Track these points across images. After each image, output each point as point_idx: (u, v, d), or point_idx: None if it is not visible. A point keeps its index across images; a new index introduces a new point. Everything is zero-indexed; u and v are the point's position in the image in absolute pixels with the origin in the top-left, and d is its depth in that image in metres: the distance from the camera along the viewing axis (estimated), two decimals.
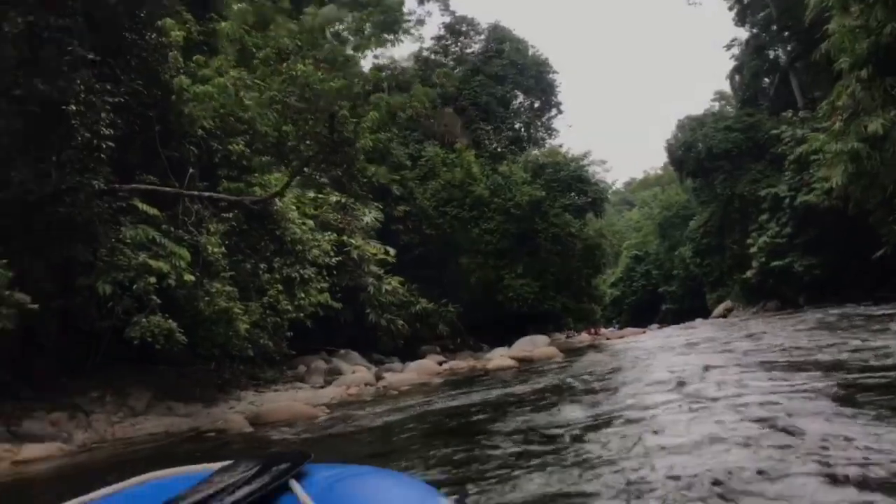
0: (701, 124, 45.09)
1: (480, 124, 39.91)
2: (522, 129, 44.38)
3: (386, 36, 13.75)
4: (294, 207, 18.25)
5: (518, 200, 33.36)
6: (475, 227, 33.27)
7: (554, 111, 45.53)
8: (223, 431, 11.43)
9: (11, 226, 12.67)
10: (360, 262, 23.01)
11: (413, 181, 32.69)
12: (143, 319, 13.07)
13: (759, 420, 5.83)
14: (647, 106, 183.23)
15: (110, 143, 13.55)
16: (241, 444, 10.14)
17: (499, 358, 21.31)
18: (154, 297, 13.31)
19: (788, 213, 36.38)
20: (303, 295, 17.67)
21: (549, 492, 4.39)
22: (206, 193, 15.09)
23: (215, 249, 15.17)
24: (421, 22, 41.38)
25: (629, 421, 6.92)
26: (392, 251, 25.70)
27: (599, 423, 7.00)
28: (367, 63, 18.46)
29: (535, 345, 24.31)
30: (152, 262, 13.50)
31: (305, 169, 14.89)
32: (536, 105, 45.06)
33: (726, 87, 53.85)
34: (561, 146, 42.81)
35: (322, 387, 17.62)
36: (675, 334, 28.17)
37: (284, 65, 13.49)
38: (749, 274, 39.75)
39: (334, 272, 20.22)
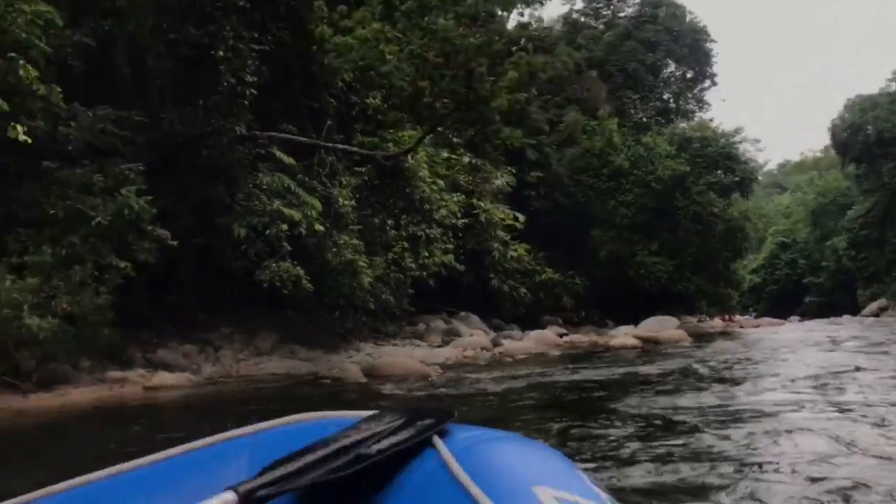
0: (873, 105, 41.15)
1: (626, 92, 38.32)
2: (671, 100, 42.27)
3: None
4: (425, 166, 18.19)
5: (659, 174, 31.86)
6: (611, 198, 32.14)
7: (707, 83, 43.06)
8: (339, 380, 11.63)
9: (160, 166, 13.35)
10: (488, 226, 22.76)
11: (550, 147, 31.90)
12: (274, 264, 13.50)
13: None
14: (760, 76, 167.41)
15: (253, 91, 13.94)
16: (353, 394, 10.23)
17: (622, 336, 20.56)
18: (285, 244, 13.71)
19: None
20: (427, 254, 17.69)
21: (666, 482, 4.18)
22: (342, 146, 15.26)
23: (346, 202, 15.39)
24: None
25: (757, 416, 6.38)
26: (521, 217, 25.26)
27: (725, 415, 6.51)
28: (511, 22, 17.97)
29: (662, 326, 23.28)
30: (285, 210, 13.87)
31: (439, 127, 14.70)
32: (689, 75, 42.71)
33: None
34: (711, 120, 40.44)
35: (439, 346, 17.66)
36: (817, 329, 26.16)
37: (426, 19, 13.27)
38: None
39: (460, 234, 20.09)
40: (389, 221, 17.17)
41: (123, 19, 13.42)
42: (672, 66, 42.14)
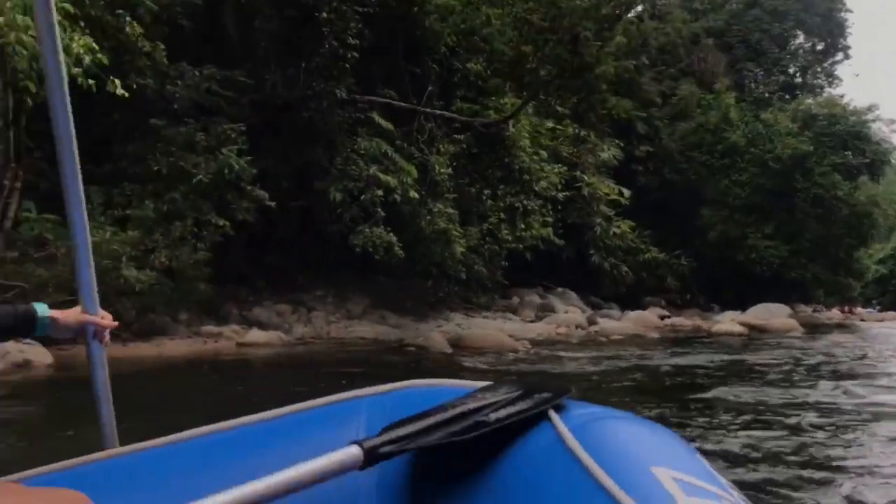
0: None
1: (747, 65, 36.09)
2: (797, 74, 39.51)
3: None
4: (527, 135, 17.67)
5: (778, 153, 29.90)
6: (724, 177, 30.48)
7: (840, 55, 39.95)
8: (424, 348, 11.52)
9: (261, 127, 13.53)
10: (590, 200, 22.01)
11: (661, 121, 30.51)
12: (367, 229, 13.50)
13: None
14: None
15: (355, 54, 13.86)
16: (435, 363, 10.08)
17: (728, 322, 19.53)
18: (379, 210, 13.67)
19: None
20: (524, 226, 17.24)
21: (776, 479, 3.93)
22: (440, 112, 15.01)
23: (443, 170, 15.18)
24: None
25: (874, 418, 5.92)
26: (626, 193, 24.29)
27: (838, 413, 6.07)
28: None
29: (772, 314, 21.96)
30: (381, 176, 13.81)
31: (542, 94, 14.17)
32: (819, 47, 39.74)
33: None
34: (842, 97, 37.53)
35: (532, 321, 17.30)
36: None
37: None
38: None
39: (560, 207, 19.48)
40: (486, 191, 16.84)
41: None
42: (801, 38, 39.29)
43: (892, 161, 41.08)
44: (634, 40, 12.57)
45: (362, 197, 13.56)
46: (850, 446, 4.79)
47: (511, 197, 17.19)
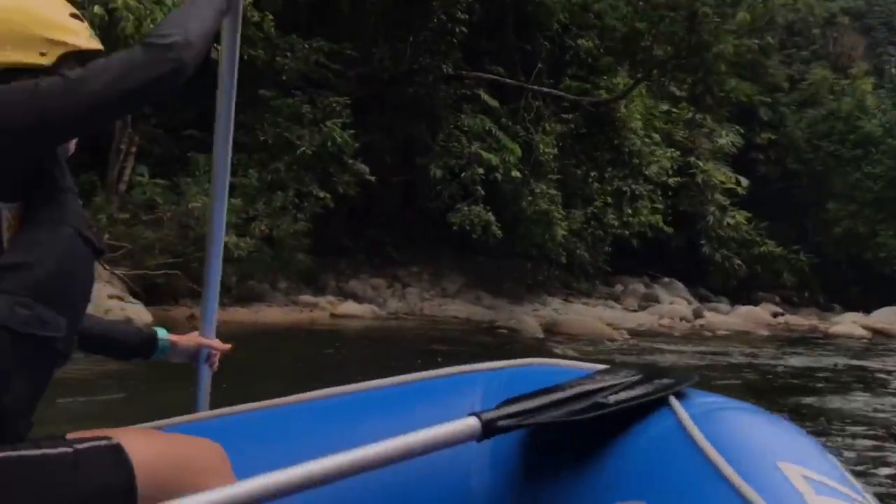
0: None
1: (889, 49, 33.35)
2: None
3: None
4: (639, 117, 16.94)
5: None
6: (855, 169, 28.34)
7: None
8: (515, 331, 11.31)
9: (367, 101, 13.59)
10: (704, 188, 20.93)
11: (788, 107, 28.67)
12: (465, 207, 13.35)
13: None
14: None
15: (464, 29, 13.67)
16: (524, 348, 9.87)
17: (848, 324, 18.24)
18: (479, 188, 13.48)
19: None
20: (631, 211, 16.58)
21: None
22: (547, 90, 14.59)
23: (548, 150, 14.80)
24: None
25: None
26: (744, 182, 22.97)
27: None
28: None
29: None
30: (484, 153, 13.60)
31: (655, 73, 13.49)
32: None
33: None
34: None
35: (634, 311, 16.70)
36: None
37: None
38: None
39: (670, 193, 18.64)
40: (593, 173, 16.31)
41: None
42: None
43: None
44: (760, 18, 11.64)
45: (462, 175, 13.41)
46: None
47: (619, 180, 16.54)
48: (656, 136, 18.18)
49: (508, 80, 14.80)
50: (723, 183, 22.06)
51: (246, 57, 10.35)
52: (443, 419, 1.12)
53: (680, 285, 21.35)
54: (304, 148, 11.54)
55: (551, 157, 14.83)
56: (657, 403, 1.18)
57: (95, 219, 8.80)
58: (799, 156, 28.44)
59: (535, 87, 14.98)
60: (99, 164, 10.34)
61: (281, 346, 8.99)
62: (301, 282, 12.30)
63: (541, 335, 11.18)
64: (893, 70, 32.66)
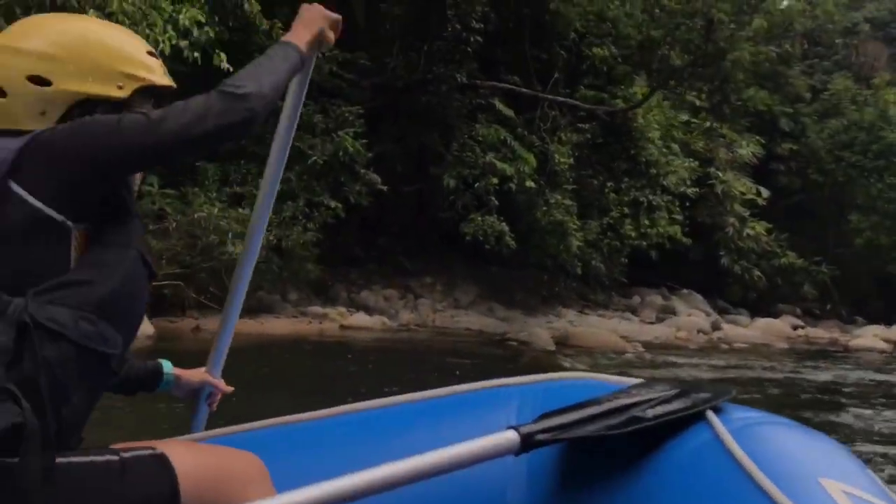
0: None
1: None
2: None
3: None
4: (657, 127, 16.72)
5: None
6: (878, 180, 27.84)
7: None
8: (525, 344, 11.11)
9: (381, 110, 13.50)
10: (724, 199, 20.61)
11: (810, 117, 28.25)
12: (479, 217, 13.21)
13: None
14: None
15: (479, 38, 13.56)
16: (532, 361, 9.64)
17: (869, 337, 17.93)
18: (493, 198, 13.34)
19: None
20: (648, 222, 16.34)
21: None
22: (563, 99, 14.43)
23: (563, 160, 14.62)
24: None
25: None
26: (765, 193, 22.66)
27: None
28: None
29: None
30: (498, 163, 13.46)
31: (671, 82, 13.29)
32: None
33: None
34: None
35: (651, 323, 16.42)
36: None
37: None
38: None
39: (688, 204, 18.37)
40: (609, 184, 16.10)
41: None
42: None
43: None
44: (777, 25, 11.41)
45: (476, 184, 13.27)
46: None
47: (636, 191, 16.31)
48: (675, 147, 17.93)
49: (524, 90, 14.67)
50: (743, 194, 21.75)
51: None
52: (479, 433, 1.12)
53: (699, 297, 21.03)
54: (315, 157, 11.46)
55: (567, 167, 14.66)
56: (694, 418, 1.18)
57: None
58: (820, 166, 28.00)
59: (551, 97, 14.82)
60: None
61: (289, 359, 8.89)
62: (312, 292, 12.20)
63: (552, 348, 10.98)
64: None
